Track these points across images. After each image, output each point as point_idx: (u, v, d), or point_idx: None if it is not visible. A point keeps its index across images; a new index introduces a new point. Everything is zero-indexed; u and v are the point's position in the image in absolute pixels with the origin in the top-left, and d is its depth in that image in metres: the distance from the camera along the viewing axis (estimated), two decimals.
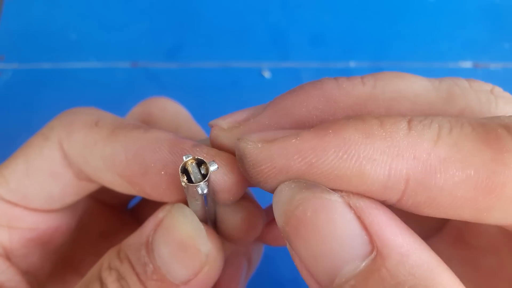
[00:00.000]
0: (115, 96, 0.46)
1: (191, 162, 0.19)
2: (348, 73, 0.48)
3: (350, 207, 0.16)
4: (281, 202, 0.17)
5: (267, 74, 0.48)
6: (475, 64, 0.48)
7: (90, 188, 0.26)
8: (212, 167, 0.18)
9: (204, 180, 0.18)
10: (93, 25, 0.51)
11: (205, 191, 0.19)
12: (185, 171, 0.19)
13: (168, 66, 0.48)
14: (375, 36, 0.50)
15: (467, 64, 0.48)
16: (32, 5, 0.52)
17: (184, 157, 0.19)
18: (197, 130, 0.30)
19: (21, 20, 0.51)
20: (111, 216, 0.31)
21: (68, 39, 0.50)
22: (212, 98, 0.47)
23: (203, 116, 0.42)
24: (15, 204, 0.25)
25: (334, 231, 0.16)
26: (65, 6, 0.52)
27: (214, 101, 0.46)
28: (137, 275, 0.21)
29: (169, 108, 0.30)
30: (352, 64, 0.48)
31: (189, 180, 0.19)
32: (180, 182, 0.19)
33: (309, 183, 0.17)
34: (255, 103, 0.50)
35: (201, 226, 0.21)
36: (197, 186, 0.18)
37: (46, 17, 0.51)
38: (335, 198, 0.16)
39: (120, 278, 0.21)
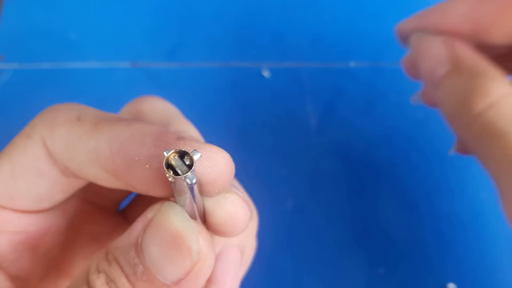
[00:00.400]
0: (115, 96, 0.46)
1: (173, 156, 0.19)
2: (348, 73, 0.48)
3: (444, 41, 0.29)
4: (415, 39, 0.32)
5: (266, 74, 0.48)
6: None
7: (78, 184, 0.25)
8: (196, 156, 0.19)
9: (191, 170, 0.18)
10: (93, 25, 0.51)
11: (194, 181, 0.19)
12: (169, 165, 0.19)
13: (168, 66, 0.48)
14: (375, 36, 0.50)
15: None
16: (32, 5, 0.52)
17: (165, 153, 0.18)
18: (187, 126, 0.29)
19: (21, 20, 0.51)
20: (102, 218, 0.30)
21: (68, 39, 0.50)
22: (212, 98, 0.47)
23: (203, 116, 0.42)
24: (3, 207, 0.24)
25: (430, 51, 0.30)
26: (65, 6, 0.52)
27: (214, 101, 0.46)
28: (127, 276, 0.20)
29: (159, 106, 0.30)
30: (352, 64, 0.48)
31: (175, 173, 0.18)
32: (166, 176, 0.19)
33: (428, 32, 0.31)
34: (255, 103, 0.50)
35: (192, 223, 0.21)
36: (185, 177, 0.18)
37: (46, 17, 0.51)
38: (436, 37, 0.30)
39: (109, 280, 0.20)
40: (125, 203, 0.33)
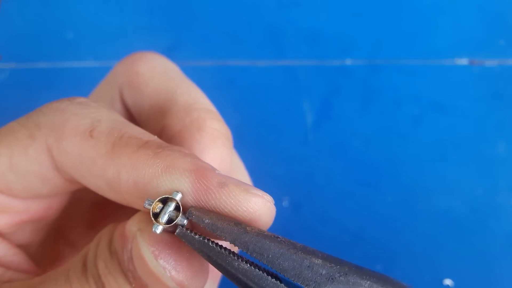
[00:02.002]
0: None
1: (157, 206, 0.18)
2: (344, 71, 0.48)
3: None
4: None
5: None
6: (471, 61, 0.48)
7: (81, 186, 0.24)
8: (177, 197, 0.18)
9: (181, 214, 0.18)
10: (90, 24, 0.51)
11: (185, 222, 0.18)
12: (155, 215, 0.18)
13: None
14: (371, 34, 0.50)
15: (463, 61, 0.48)
16: (29, 5, 0.52)
17: (146, 205, 0.18)
18: (192, 88, 0.27)
19: (19, 20, 0.51)
20: None
21: (65, 38, 0.50)
22: (209, 96, 0.47)
23: None
24: (1, 192, 0.23)
25: None
26: (62, 5, 0.52)
27: (210, 99, 0.46)
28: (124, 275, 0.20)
29: (158, 68, 0.27)
30: (349, 61, 0.48)
31: (169, 221, 0.18)
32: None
33: None
34: (252, 101, 0.50)
35: (160, 268, 0.20)
36: (178, 221, 0.18)
37: (43, 17, 0.51)
38: None
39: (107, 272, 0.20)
40: None
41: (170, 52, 0.49)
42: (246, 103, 0.47)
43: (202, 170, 0.19)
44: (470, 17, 0.50)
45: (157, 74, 0.27)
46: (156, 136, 0.22)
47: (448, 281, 0.39)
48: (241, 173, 0.31)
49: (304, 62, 0.48)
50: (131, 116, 0.28)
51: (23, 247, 0.25)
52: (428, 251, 0.41)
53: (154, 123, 0.26)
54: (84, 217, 0.29)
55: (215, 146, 0.24)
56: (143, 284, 0.20)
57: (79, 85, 0.48)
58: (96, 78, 0.49)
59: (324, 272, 0.17)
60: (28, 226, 0.25)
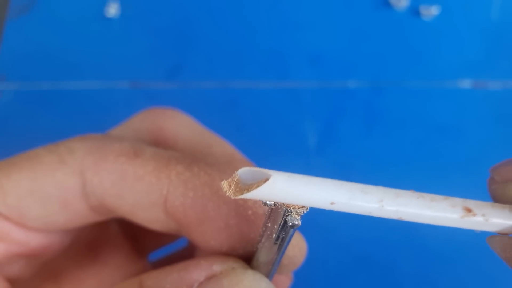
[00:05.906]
0: (115, 117, 0.46)
1: None
2: (347, 93, 0.48)
3: None
4: None
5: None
6: (474, 82, 0.48)
7: (100, 219, 0.23)
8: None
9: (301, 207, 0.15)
10: (93, 46, 0.51)
11: (296, 223, 0.15)
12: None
13: (167, 86, 0.49)
14: (374, 56, 0.50)
15: (466, 83, 0.48)
16: (33, 26, 0.52)
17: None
18: (221, 141, 0.27)
19: (23, 40, 0.52)
20: (98, 226, 0.28)
21: (68, 60, 0.50)
22: (211, 118, 0.46)
23: None
24: (6, 218, 0.22)
25: None
26: (66, 26, 0.52)
27: (213, 121, 0.46)
28: None
29: (183, 123, 0.27)
30: (351, 83, 0.49)
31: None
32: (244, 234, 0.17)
33: None
34: (254, 123, 0.50)
35: None
36: (288, 214, 0.15)
37: (47, 37, 0.52)
38: None
39: None
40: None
41: (173, 74, 0.49)
42: (248, 125, 0.47)
43: (246, 202, 0.20)
44: (472, 39, 0.50)
45: (184, 129, 0.27)
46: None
47: None
48: None
49: (306, 84, 0.49)
50: None
51: (12, 281, 0.24)
52: (434, 275, 0.40)
53: None
54: (77, 258, 0.28)
55: None
56: None
57: (84, 107, 0.48)
58: (99, 100, 0.49)
59: None
60: (21, 260, 0.24)
